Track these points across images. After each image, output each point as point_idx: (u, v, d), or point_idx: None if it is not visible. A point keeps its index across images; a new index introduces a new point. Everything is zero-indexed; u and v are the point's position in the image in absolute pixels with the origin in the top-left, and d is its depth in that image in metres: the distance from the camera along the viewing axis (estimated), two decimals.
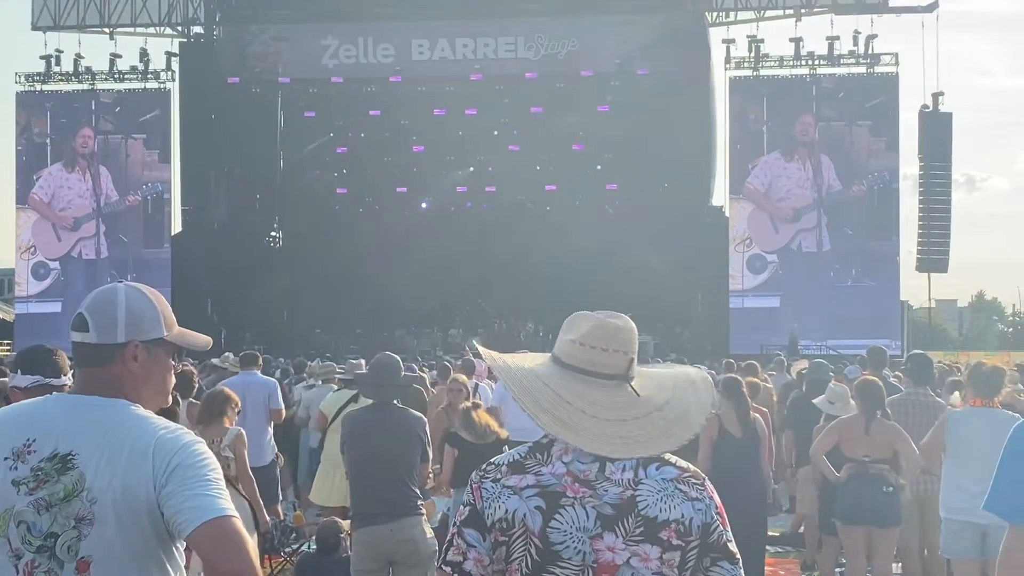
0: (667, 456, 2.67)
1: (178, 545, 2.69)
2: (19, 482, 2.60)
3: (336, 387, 11.93)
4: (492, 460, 2.72)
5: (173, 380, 2.94)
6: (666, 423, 2.60)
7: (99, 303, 2.78)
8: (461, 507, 2.67)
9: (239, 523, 2.57)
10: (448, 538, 2.66)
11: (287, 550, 10.00)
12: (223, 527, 2.52)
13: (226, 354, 14.91)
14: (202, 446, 2.68)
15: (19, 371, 4.15)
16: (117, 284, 2.84)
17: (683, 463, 2.69)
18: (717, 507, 2.64)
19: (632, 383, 2.64)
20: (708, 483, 2.67)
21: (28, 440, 2.63)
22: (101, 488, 2.58)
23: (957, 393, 9.62)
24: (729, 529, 2.65)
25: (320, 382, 13.35)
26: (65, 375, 4.09)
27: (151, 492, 2.58)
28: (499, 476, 2.64)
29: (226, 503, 2.57)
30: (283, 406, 11.18)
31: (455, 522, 2.66)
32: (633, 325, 2.71)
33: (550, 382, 2.65)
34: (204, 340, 3.00)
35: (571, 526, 2.54)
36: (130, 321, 2.75)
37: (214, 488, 2.59)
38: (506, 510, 2.58)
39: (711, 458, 8.37)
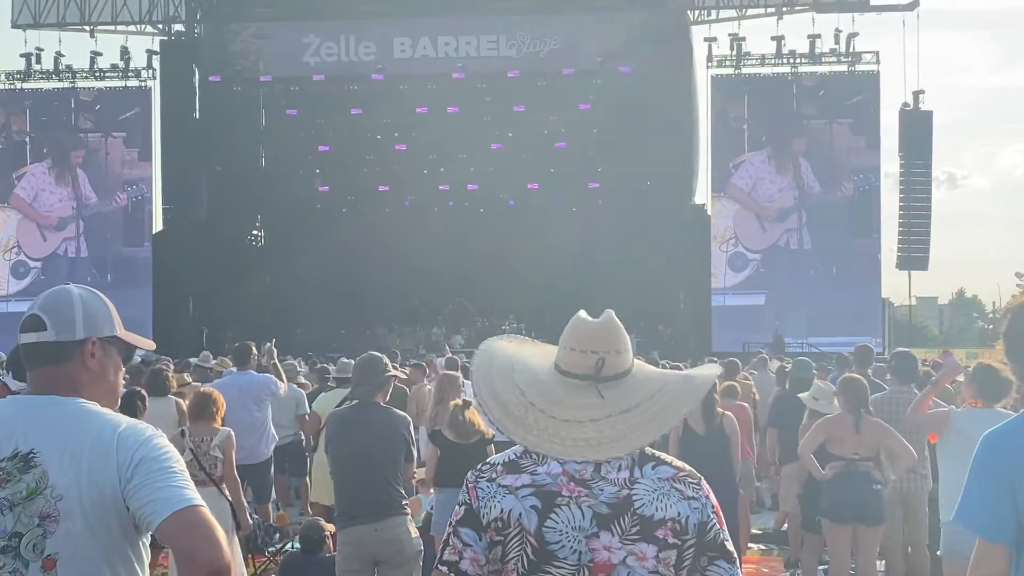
0: (663, 456, 2.67)
1: (144, 540, 2.69)
2: None
3: (309, 387, 11.93)
4: (488, 459, 2.72)
5: (122, 381, 2.95)
6: (625, 428, 2.56)
7: (54, 302, 2.80)
8: (457, 506, 2.67)
9: (208, 512, 2.58)
10: (444, 537, 2.66)
11: (271, 550, 9.97)
12: (192, 516, 2.53)
13: (205, 352, 14.86)
14: (164, 439, 2.69)
15: (11, 373, 4.08)
16: (66, 285, 2.87)
17: (679, 462, 2.68)
18: (713, 506, 2.63)
19: (604, 384, 2.60)
20: (704, 482, 2.66)
21: None
22: (66, 485, 2.58)
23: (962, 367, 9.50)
24: (726, 528, 2.65)
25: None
26: None
27: (116, 486, 2.58)
28: (495, 475, 2.63)
29: (193, 493, 2.58)
30: (283, 389, 11.13)
31: (451, 521, 2.66)
32: (613, 325, 2.66)
33: (519, 379, 2.64)
34: (150, 343, 3.06)
35: (567, 525, 2.53)
36: (87, 318, 2.79)
37: (180, 479, 2.60)
38: (502, 509, 2.57)
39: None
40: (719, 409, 8.87)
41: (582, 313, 2.72)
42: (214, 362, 14.98)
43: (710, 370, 2.81)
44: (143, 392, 8.97)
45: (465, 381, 12.42)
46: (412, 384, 13.18)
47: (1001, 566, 3.12)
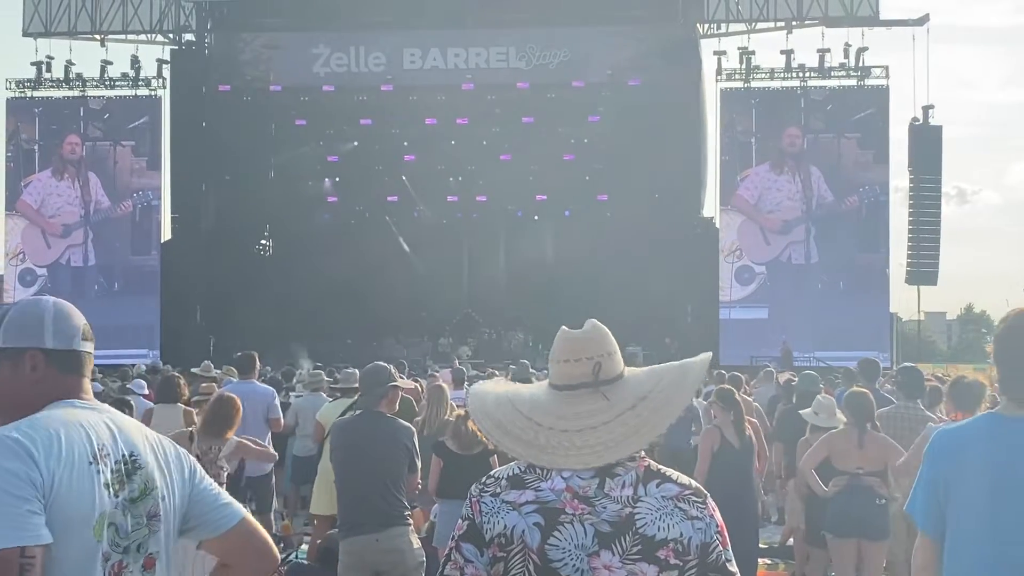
0: (668, 473, 2.64)
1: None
2: (108, 485, 2.62)
3: (329, 397, 11.90)
4: (492, 473, 2.71)
5: None
6: (638, 422, 2.56)
7: (69, 313, 2.87)
8: (460, 520, 2.66)
9: None
10: (446, 552, 2.65)
11: None
12: (255, 523, 2.89)
13: (205, 362, 14.83)
14: None
15: None
16: (47, 297, 2.94)
17: (684, 479, 2.65)
18: (718, 526, 2.60)
19: (605, 387, 2.61)
20: (710, 500, 2.63)
21: (99, 444, 2.63)
22: (163, 487, 2.75)
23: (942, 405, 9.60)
24: (729, 548, 2.62)
25: (309, 391, 13.32)
26: None
27: (186, 492, 2.82)
28: (499, 490, 2.62)
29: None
30: (281, 415, 11.13)
31: (454, 535, 2.65)
32: (600, 330, 2.68)
33: (520, 405, 2.64)
34: None
35: (569, 543, 2.51)
36: None
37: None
38: (505, 525, 2.56)
39: (709, 470, 8.41)
40: (746, 424, 8.90)
41: (564, 327, 2.73)
42: (216, 372, 14.92)
43: (699, 356, 2.79)
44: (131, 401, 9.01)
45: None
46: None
47: (929, 559, 3.34)
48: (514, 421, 2.61)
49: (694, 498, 2.60)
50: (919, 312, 41.30)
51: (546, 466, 2.56)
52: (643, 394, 2.61)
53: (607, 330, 2.69)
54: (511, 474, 2.64)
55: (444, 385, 10.72)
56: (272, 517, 11.03)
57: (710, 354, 2.86)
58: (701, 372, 2.74)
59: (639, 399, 2.59)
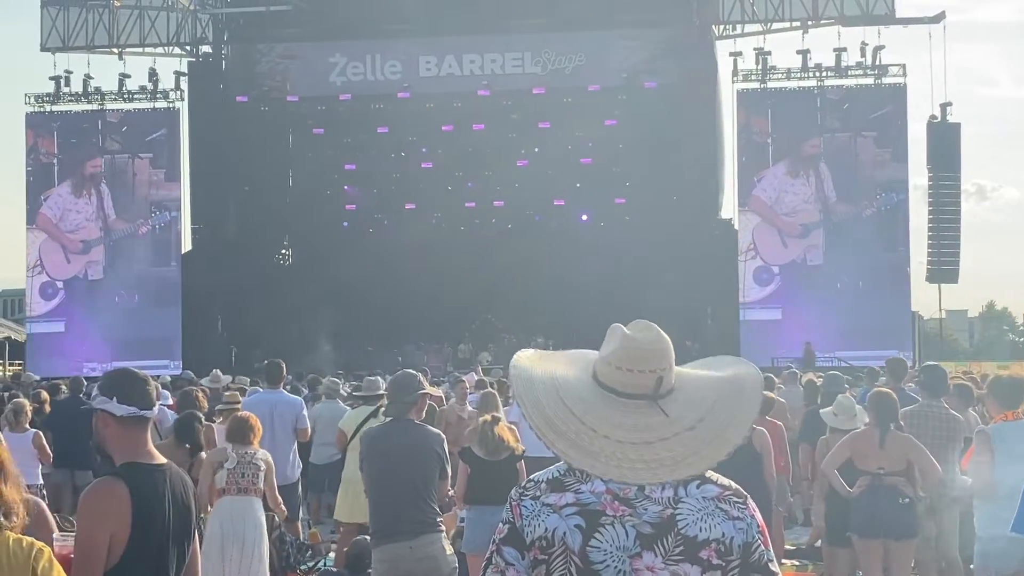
0: (708, 474, 2.62)
1: None
2: None
3: (348, 404, 11.94)
4: (532, 477, 2.69)
5: None
6: (697, 444, 2.52)
7: None
8: (500, 524, 2.64)
9: None
10: (487, 556, 2.64)
11: (303, 567, 9.99)
12: None
13: (214, 372, 14.91)
14: None
15: (115, 399, 4.09)
16: None
17: (725, 481, 2.64)
18: (759, 526, 2.60)
19: (663, 400, 2.54)
20: (750, 501, 2.63)
21: None
22: None
23: (972, 411, 9.57)
24: (771, 548, 2.63)
25: (324, 398, 13.38)
26: (155, 406, 4.16)
27: None
28: (539, 493, 2.61)
29: None
30: (309, 425, 11.17)
31: (494, 539, 2.63)
32: (665, 342, 2.59)
33: (572, 403, 2.54)
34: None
35: (611, 545, 2.51)
36: None
37: None
38: (546, 528, 2.55)
39: None
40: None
41: (626, 329, 2.62)
42: (226, 379, 14.96)
43: (749, 369, 2.70)
44: (200, 415, 9.22)
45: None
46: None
47: None
48: (566, 421, 2.52)
49: (735, 499, 2.61)
50: (940, 310, 41.16)
51: (591, 472, 2.51)
52: (701, 415, 2.55)
53: (669, 339, 2.61)
54: (550, 477, 2.64)
55: (495, 392, 10.71)
56: (300, 525, 11.07)
57: (755, 369, 2.72)
58: (758, 396, 2.67)
59: (698, 420, 2.54)
